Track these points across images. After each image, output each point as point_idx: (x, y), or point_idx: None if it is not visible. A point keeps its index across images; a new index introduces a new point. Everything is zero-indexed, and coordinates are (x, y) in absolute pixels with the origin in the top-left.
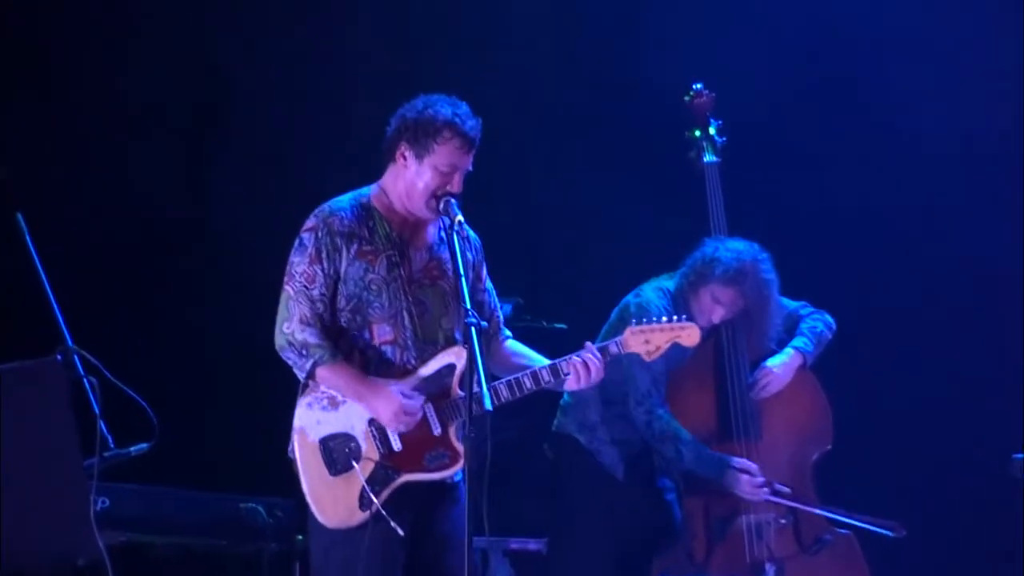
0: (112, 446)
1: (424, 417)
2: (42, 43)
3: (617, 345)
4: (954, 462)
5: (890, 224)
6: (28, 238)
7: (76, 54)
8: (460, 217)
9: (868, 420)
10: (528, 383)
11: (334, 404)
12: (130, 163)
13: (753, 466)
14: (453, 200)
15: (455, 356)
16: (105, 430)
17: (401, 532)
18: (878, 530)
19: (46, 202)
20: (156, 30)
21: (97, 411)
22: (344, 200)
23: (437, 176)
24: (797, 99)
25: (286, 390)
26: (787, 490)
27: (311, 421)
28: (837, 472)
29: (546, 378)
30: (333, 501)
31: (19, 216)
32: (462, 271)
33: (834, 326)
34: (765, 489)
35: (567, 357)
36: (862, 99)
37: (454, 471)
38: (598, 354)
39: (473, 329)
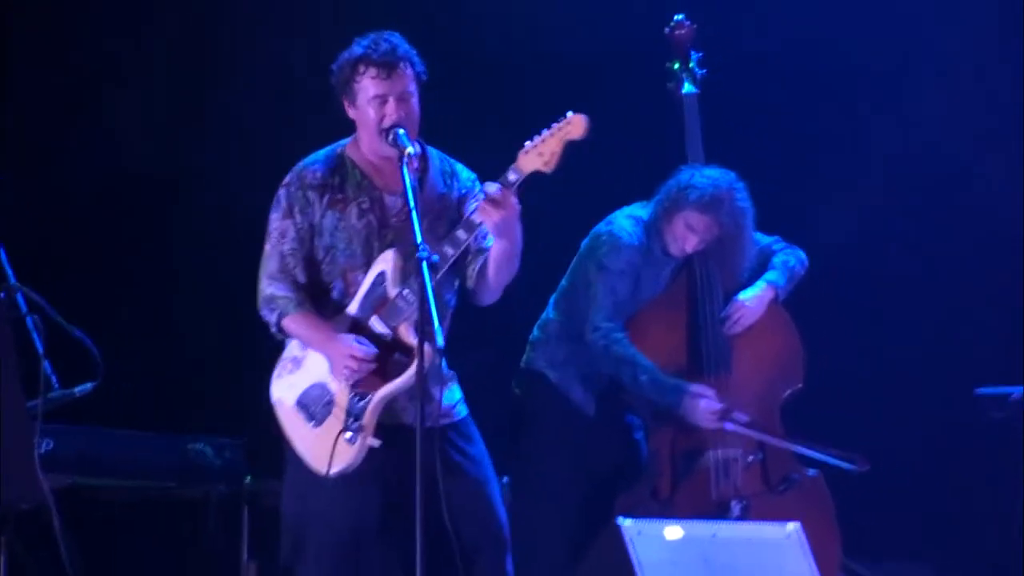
0: (56, 386)
1: (373, 332)
2: None
3: (514, 171)
4: (922, 400)
5: (869, 161)
6: None
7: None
8: (410, 149)
9: (841, 358)
10: (449, 250)
11: (297, 363)
12: (98, 114)
13: (710, 391)
14: (401, 131)
15: (383, 263)
16: (49, 370)
17: (377, 442)
18: (840, 463)
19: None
20: None
21: (41, 350)
22: (320, 153)
23: (373, 110)
24: (781, 31)
25: (234, 329)
26: (745, 418)
27: (284, 388)
28: (806, 410)
29: (463, 236)
30: (325, 449)
31: None
32: (412, 204)
33: (806, 262)
34: (721, 416)
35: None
36: (849, 32)
37: (414, 368)
38: (498, 187)
39: (424, 263)
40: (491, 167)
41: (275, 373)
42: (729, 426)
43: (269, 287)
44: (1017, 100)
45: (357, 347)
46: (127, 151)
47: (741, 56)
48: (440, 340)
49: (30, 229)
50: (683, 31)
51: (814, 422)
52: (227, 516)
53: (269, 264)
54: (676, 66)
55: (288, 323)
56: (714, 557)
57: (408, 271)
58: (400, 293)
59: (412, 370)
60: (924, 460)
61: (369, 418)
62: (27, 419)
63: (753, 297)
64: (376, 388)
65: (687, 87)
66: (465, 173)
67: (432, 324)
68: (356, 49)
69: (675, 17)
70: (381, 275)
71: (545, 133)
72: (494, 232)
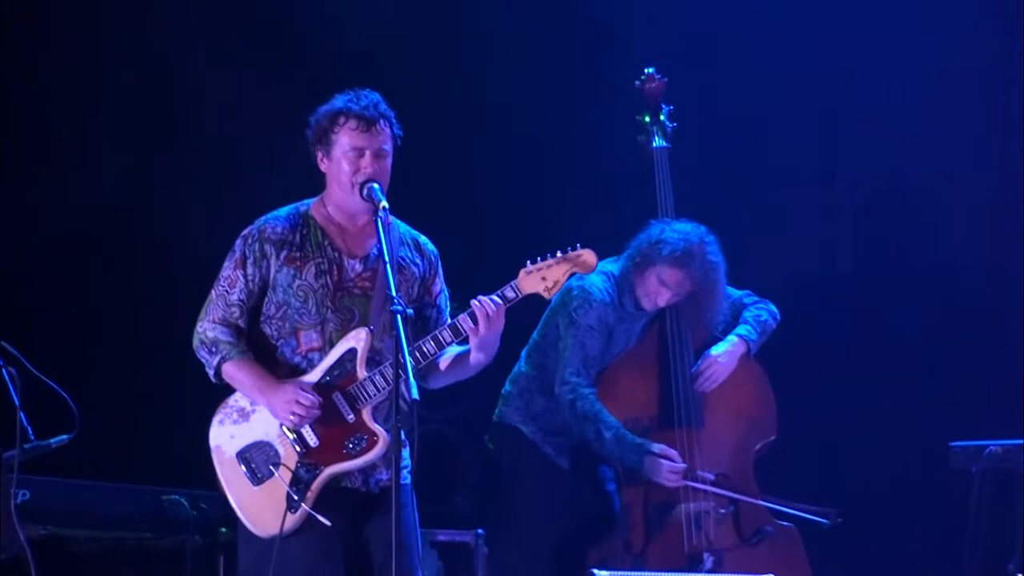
0: (32, 438)
1: (335, 407)
2: None
3: (513, 288)
4: (896, 453)
5: (837, 213)
6: None
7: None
8: (384, 203)
9: (815, 411)
10: (430, 347)
11: (244, 415)
12: (67, 153)
13: (673, 452)
14: (375, 185)
15: (355, 340)
16: (25, 421)
17: (327, 522)
18: (813, 518)
19: None
20: (113, 21)
21: (17, 402)
22: (283, 210)
23: (348, 163)
24: (751, 84)
25: (210, 382)
26: (710, 476)
27: (224, 437)
28: (781, 463)
29: (447, 338)
30: (262, 510)
31: None
32: (387, 257)
33: (778, 315)
34: (684, 476)
35: (465, 313)
36: (817, 84)
37: (376, 453)
38: (495, 300)
39: (399, 317)
40: (457, 222)
41: (216, 418)
42: (694, 485)
43: (212, 331)
44: (987, 154)
45: (302, 394)
46: (96, 193)
47: (709, 105)
48: (415, 392)
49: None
50: (654, 84)
51: (788, 474)
52: (203, 567)
53: (213, 310)
54: (647, 119)
55: (229, 367)
56: None
57: (376, 354)
58: (370, 377)
59: (370, 455)
60: (899, 512)
61: (315, 490)
62: (3, 470)
63: (724, 352)
64: (328, 462)
65: (657, 141)
66: (429, 246)
67: (408, 377)
68: (337, 102)
69: (646, 70)
70: (351, 352)
71: (551, 259)
72: (475, 344)
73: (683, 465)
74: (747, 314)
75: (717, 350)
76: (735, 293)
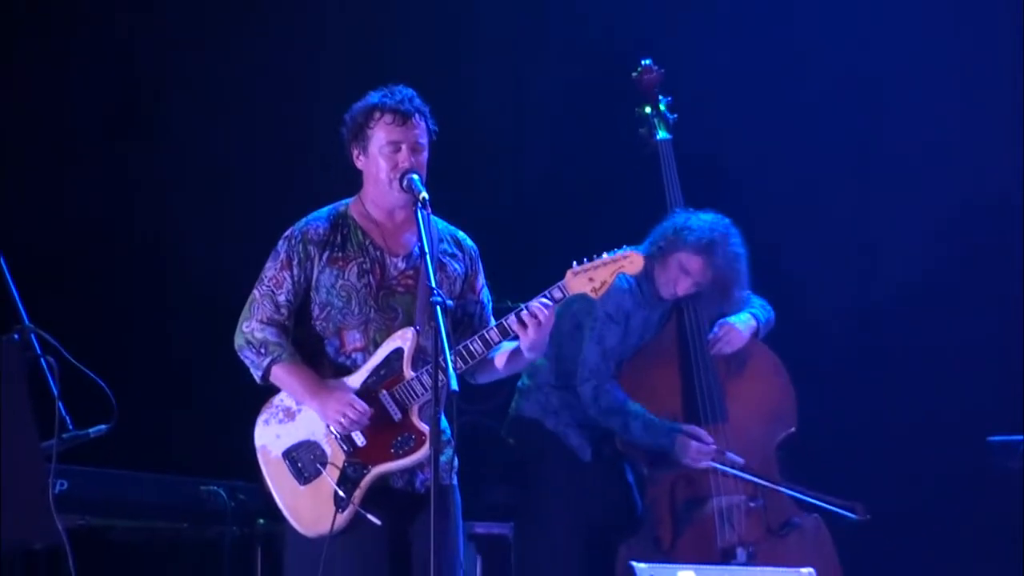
0: (71, 427)
1: (382, 406)
2: None
3: (561, 289)
4: (925, 444)
5: (846, 207)
6: None
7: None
8: (424, 194)
9: (853, 405)
10: (477, 346)
11: (290, 415)
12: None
13: (703, 432)
14: (415, 176)
15: (401, 339)
16: (63, 411)
17: (378, 522)
18: (840, 511)
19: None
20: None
21: (55, 392)
22: (323, 211)
23: (386, 158)
24: (754, 76)
25: (247, 372)
26: (740, 461)
27: (270, 437)
28: (806, 456)
29: (495, 338)
30: (308, 509)
31: None
32: (427, 249)
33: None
34: (711, 457)
35: (512, 312)
36: (822, 76)
37: (423, 452)
38: (544, 303)
39: (439, 308)
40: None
41: (262, 418)
42: (722, 468)
43: (261, 331)
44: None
45: (356, 401)
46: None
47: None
48: (454, 384)
49: (40, 267)
50: (651, 75)
51: (824, 469)
52: (240, 558)
53: (259, 310)
54: (647, 111)
55: (278, 370)
56: None
57: (423, 353)
58: (417, 377)
59: (417, 455)
60: (934, 507)
61: (363, 488)
62: (42, 459)
63: (740, 321)
64: (375, 461)
65: (661, 133)
66: (468, 243)
67: (448, 369)
68: (371, 97)
69: (642, 61)
70: (397, 351)
71: (598, 260)
72: (526, 344)
73: (713, 446)
74: (755, 301)
75: (732, 319)
76: None
